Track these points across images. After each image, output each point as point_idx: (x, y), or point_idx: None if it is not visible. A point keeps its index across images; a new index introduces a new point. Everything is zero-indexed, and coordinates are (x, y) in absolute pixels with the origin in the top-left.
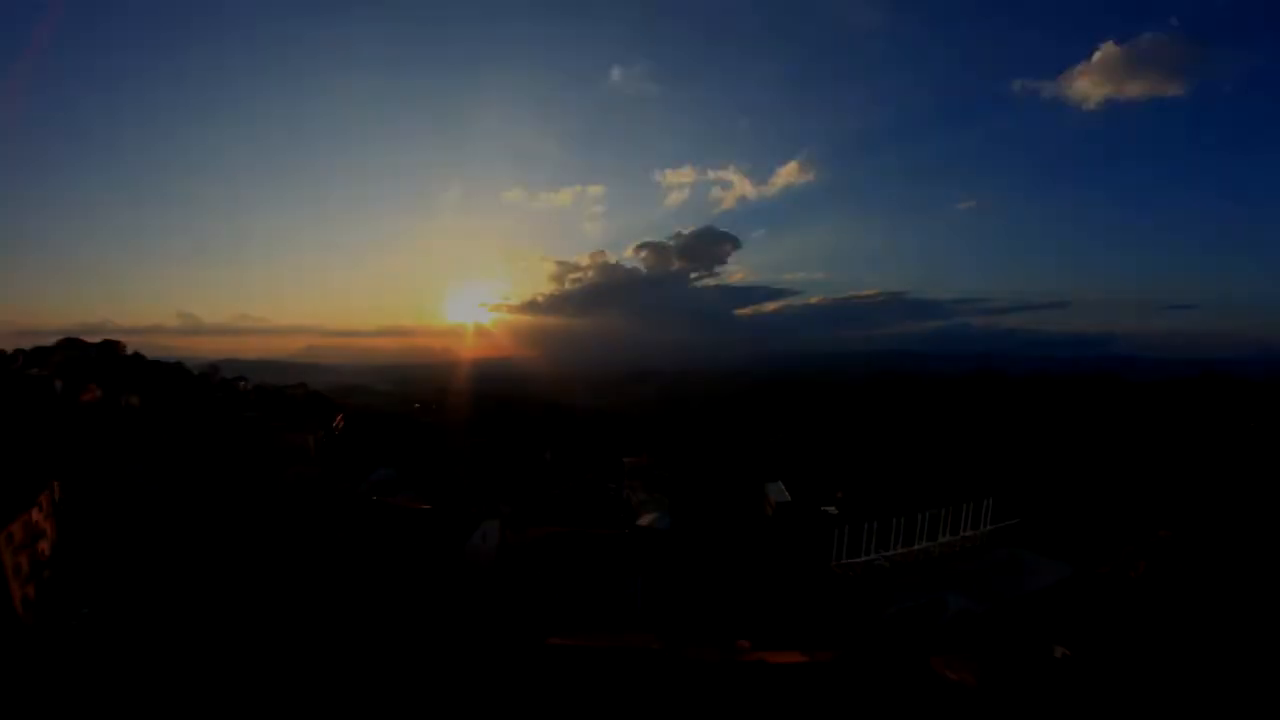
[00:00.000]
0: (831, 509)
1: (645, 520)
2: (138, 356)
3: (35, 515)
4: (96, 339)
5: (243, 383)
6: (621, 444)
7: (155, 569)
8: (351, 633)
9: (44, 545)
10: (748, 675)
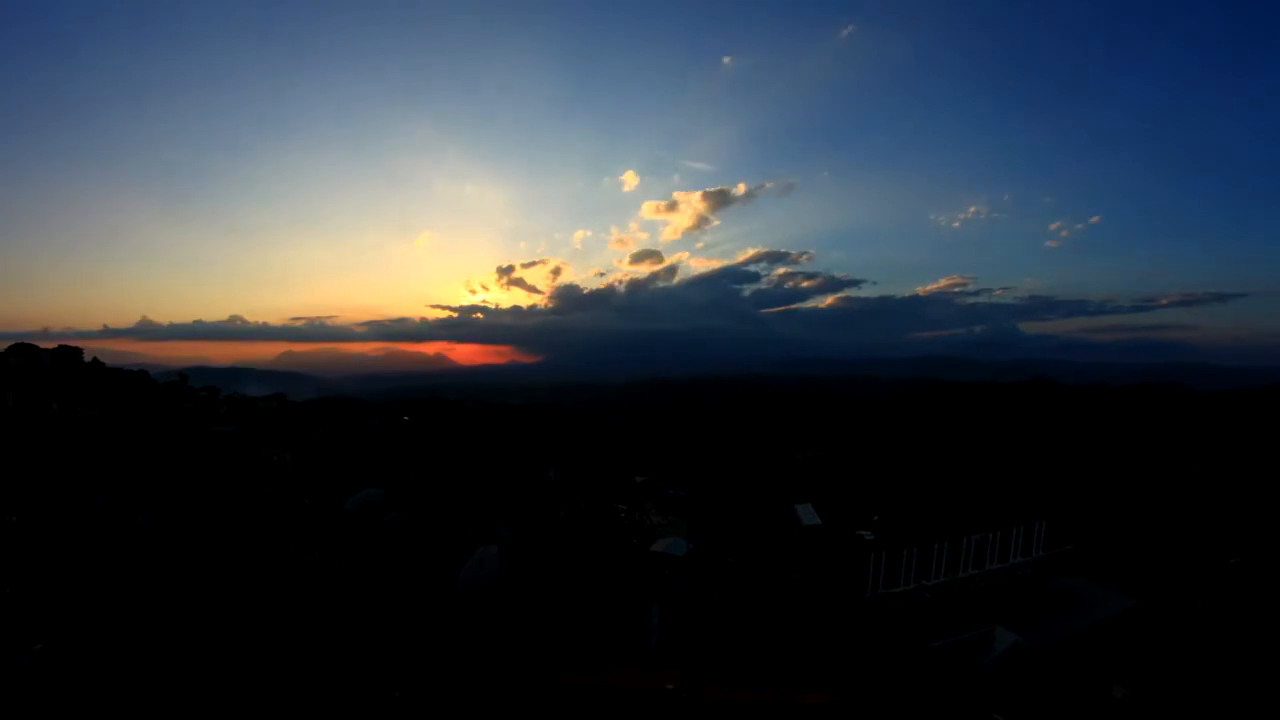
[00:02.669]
0: (867, 533)
1: (660, 545)
2: (96, 364)
3: None
4: (51, 345)
5: (213, 394)
6: (633, 460)
7: (116, 601)
8: (337, 668)
9: None
10: (774, 718)
